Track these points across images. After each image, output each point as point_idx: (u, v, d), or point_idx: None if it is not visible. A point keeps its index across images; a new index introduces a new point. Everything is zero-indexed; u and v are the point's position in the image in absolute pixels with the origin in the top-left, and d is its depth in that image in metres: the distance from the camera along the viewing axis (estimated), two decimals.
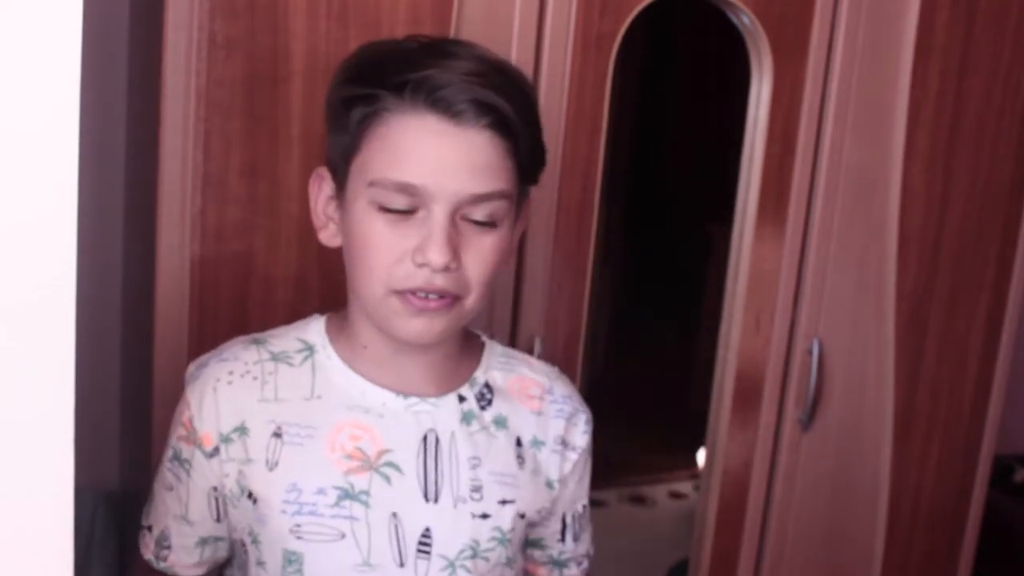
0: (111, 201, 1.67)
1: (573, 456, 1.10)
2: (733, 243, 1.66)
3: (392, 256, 0.93)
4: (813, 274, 1.67)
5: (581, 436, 1.11)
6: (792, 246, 1.65)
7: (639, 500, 2.49)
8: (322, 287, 1.33)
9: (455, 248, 0.93)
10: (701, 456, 1.83)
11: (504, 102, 0.92)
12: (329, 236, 1.02)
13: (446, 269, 0.92)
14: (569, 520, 1.14)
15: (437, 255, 0.91)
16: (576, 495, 1.14)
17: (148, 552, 1.06)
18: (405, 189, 0.92)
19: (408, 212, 0.93)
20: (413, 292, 0.94)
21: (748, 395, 1.69)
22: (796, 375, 1.70)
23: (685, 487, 2.51)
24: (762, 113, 1.58)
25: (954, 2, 1.64)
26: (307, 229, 1.31)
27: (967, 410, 1.86)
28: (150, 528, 1.07)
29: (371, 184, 0.93)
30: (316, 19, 1.27)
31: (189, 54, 1.22)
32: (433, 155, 0.92)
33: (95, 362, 1.69)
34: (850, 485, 1.80)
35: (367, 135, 0.94)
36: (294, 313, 1.27)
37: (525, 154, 0.96)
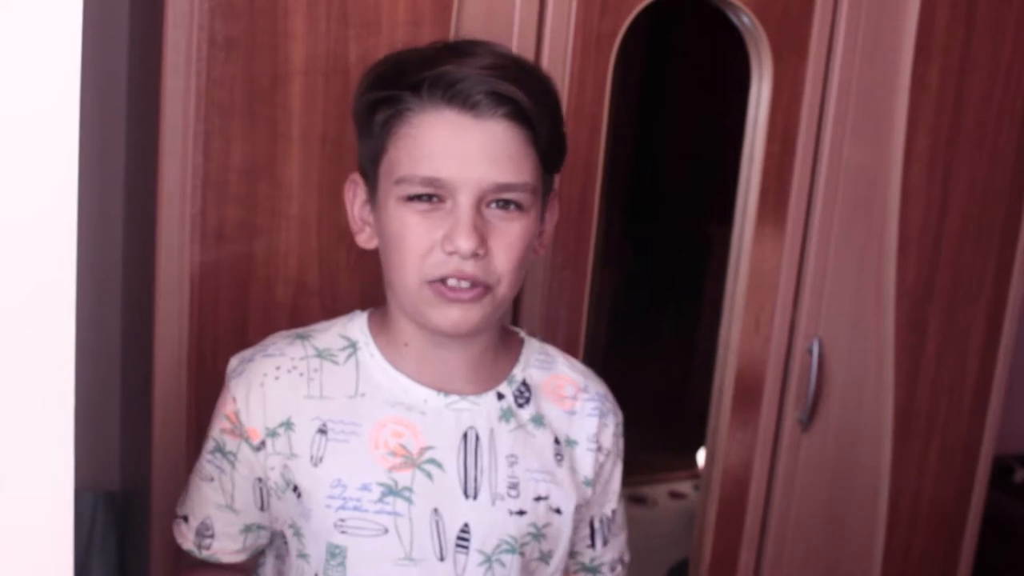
0: (111, 201, 1.67)
1: (601, 457, 1.12)
2: (733, 243, 1.66)
3: (424, 246, 0.96)
4: (813, 274, 1.67)
5: (610, 438, 1.13)
6: (792, 246, 1.65)
7: (639, 500, 2.49)
8: (322, 287, 1.33)
9: (482, 235, 0.95)
10: (701, 456, 1.82)
11: (520, 92, 0.95)
12: (366, 239, 1.04)
13: (474, 256, 0.95)
14: (598, 524, 1.16)
15: (464, 241, 0.94)
16: (605, 498, 1.15)
17: (187, 542, 1.07)
18: (431, 183, 0.95)
19: (437, 200, 0.96)
20: (444, 282, 0.96)
21: (748, 395, 1.69)
22: (796, 375, 1.70)
23: (685, 487, 2.51)
24: (762, 113, 1.58)
25: (954, 2, 1.64)
26: (307, 229, 1.31)
27: (967, 410, 1.86)
28: (186, 518, 1.08)
29: (399, 181, 0.96)
30: (316, 19, 1.27)
31: (189, 54, 1.22)
32: (454, 147, 0.95)
33: (95, 362, 1.69)
34: (850, 485, 1.80)
35: (392, 136, 0.97)
36: (294, 313, 1.27)
37: (545, 143, 0.99)
